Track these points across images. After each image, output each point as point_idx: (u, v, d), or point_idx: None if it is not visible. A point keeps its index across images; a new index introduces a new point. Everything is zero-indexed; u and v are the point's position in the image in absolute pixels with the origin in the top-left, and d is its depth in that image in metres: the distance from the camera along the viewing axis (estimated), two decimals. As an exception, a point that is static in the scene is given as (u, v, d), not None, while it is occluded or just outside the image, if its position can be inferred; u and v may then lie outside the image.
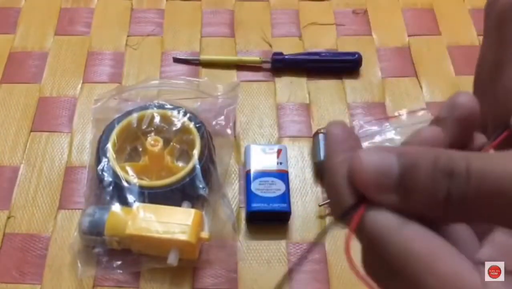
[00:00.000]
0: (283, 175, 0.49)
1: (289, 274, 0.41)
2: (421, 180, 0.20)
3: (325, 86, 0.59)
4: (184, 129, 0.51)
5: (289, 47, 0.61)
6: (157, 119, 0.51)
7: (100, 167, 0.48)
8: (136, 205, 0.45)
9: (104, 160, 0.48)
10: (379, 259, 0.21)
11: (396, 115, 0.56)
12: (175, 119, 0.51)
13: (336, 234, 0.48)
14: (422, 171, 0.20)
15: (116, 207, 0.45)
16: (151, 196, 0.46)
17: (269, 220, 0.48)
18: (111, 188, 0.47)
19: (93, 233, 0.44)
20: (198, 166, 0.48)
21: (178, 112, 0.51)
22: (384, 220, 0.20)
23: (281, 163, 0.49)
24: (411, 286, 0.20)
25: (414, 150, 0.21)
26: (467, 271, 0.20)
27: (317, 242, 0.39)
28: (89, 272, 0.45)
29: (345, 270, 0.46)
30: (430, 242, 0.20)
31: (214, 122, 0.53)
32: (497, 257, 0.22)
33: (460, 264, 0.20)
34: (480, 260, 0.21)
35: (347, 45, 0.62)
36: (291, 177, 0.51)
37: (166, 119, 0.51)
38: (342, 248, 0.48)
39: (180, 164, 0.51)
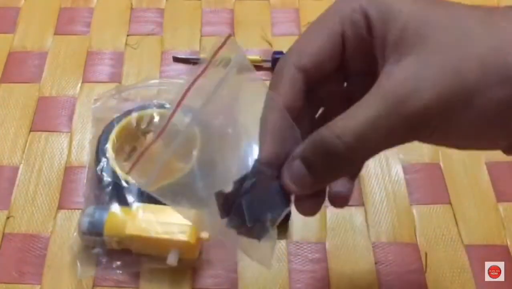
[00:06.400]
0: (283, 175, 0.48)
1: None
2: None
3: (325, 86, 0.59)
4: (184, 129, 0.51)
5: (289, 46, 0.61)
6: (156, 119, 0.51)
7: (99, 167, 0.48)
8: (136, 205, 0.45)
9: (104, 160, 0.48)
10: None
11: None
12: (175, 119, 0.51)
13: (336, 234, 0.48)
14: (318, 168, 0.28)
15: (115, 207, 0.45)
16: (150, 196, 0.46)
17: (269, 219, 0.48)
18: (110, 188, 0.47)
19: (93, 233, 0.44)
20: (197, 166, 0.48)
21: (178, 112, 0.51)
22: None
23: (281, 163, 0.49)
24: None
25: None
26: None
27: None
28: (89, 272, 0.45)
29: (345, 270, 0.46)
30: None
31: (214, 122, 0.53)
32: None
33: None
34: None
35: None
36: (291, 176, 0.51)
37: (166, 119, 0.51)
38: (342, 248, 0.48)
39: (180, 164, 0.50)
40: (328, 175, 0.28)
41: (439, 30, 0.25)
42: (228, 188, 0.29)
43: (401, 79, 0.25)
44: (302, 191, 0.29)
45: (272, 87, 0.30)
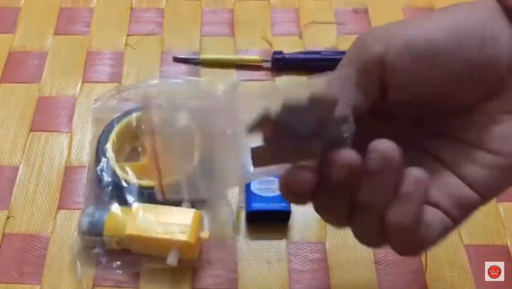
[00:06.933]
0: (283, 175, 0.49)
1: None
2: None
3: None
4: (184, 129, 0.51)
5: (289, 46, 0.61)
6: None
7: (99, 167, 0.48)
8: (136, 205, 0.45)
9: (104, 160, 0.48)
10: None
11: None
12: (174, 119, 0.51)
13: (336, 234, 0.48)
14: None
15: (115, 207, 0.45)
16: (150, 196, 0.46)
17: (269, 220, 0.48)
18: (110, 188, 0.47)
19: (93, 233, 0.44)
20: (197, 166, 0.48)
21: (178, 112, 0.51)
22: None
23: (281, 163, 0.49)
24: None
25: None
26: None
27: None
28: (89, 272, 0.45)
29: (345, 270, 0.46)
30: None
31: (214, 122, 0.53)
32: None
33: None
34: None
35: (348, 44, 0.60)
36: (291, 176, 0.51)
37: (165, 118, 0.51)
38: (342, 248, 0.48)
39: (182, 164, 0.50)
40: None
41: None
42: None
43: None
44: None
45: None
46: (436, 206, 0.28)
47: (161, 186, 0.32)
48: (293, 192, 0.28)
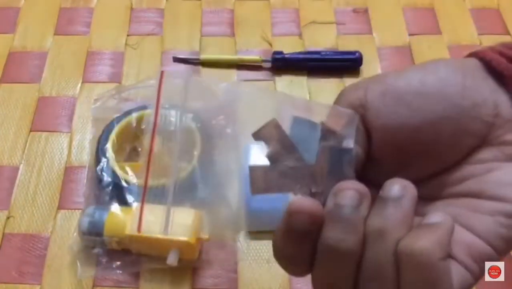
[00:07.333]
0: (283, 175, 0.48)
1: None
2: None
3: (326, 85, 0.59)
4: (184, 129, 0.51)
5: (290, 46, 0.61)
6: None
7: (99, 167, 0.48)
8: (136, 205, 0.45)
9: (104, 160, 0.48)
10: None
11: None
12: (174, 119, 0.51)
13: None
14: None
15: (115, 207, 0.45)
16: (150, 196, 0.46)
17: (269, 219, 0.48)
18: (110, 188, 0.47)
19: (93, 233, 0.44)
20: (198, 166, 0.48)
21: (178, 112, 0.51)
22: None
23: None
24: None
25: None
26: None
27: None
28: (89, 272, 0.45)
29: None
30: None
31: (214, 122, 0.53)
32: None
33: None
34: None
35: (348, 44, 0.62)
36: (291, 176, 0.51)
37: (165, 119, 0.51)
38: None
39: (182, 164, 0.50)
40: None
41: None
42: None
43: None
44: None
45: None
46: (453, 258, 0.26)
47: (145, 185, 0.32)
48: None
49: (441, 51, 0.62)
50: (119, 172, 0.47)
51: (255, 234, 0.48)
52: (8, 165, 0.52)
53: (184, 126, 0.51)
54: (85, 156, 0.53)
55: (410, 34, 0.64)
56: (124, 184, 0.47)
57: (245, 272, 0.46)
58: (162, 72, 0.29)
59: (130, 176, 0.47)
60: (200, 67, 0.60)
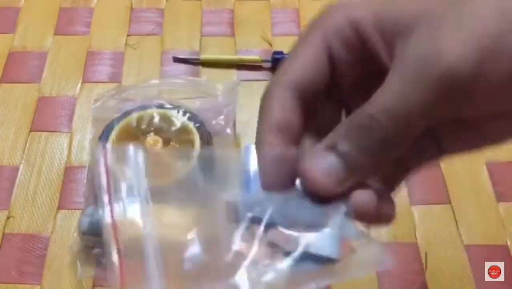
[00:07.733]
0: (283, 175, 0.48)
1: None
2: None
3: (325, 86, 0.59)
4: (183, 129, 0.51)
5: (290, 46, 0.61)
6: (156, 119, 0.51)
7: (99, 167, 0.48)
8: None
9: (104, 160, 0.48)
10: None
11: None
12: (174, 119, 0.51)
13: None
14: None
15: (115, 207, 0.45)
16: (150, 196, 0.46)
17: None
18: (110, 188, 0.47)
19: (93, 233, 0.44)
20: (198, 166, 0.48)
21: (178, 112, 0.51)
22: None
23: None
24: None
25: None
26: None
27: None
28: (89, 272, 0.45)
29: (346, 270, 0.46)
30: None
31: (214, 122, 0.53)
32: None
33: None
34: None
35: None
36: (291, 176, 0.51)
37: (165, 119, 0.51)
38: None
39: (181, 163, 0.50)
40: (367, 161, 0.25)
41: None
42: None
43: (420, 42, 0.23)
44: (335, 185, 0.26)
45: (264, 109, 0.29)
46: None
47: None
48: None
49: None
50: (119, 172, 0.47)
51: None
52: (8, 165, 0.52)
53: (183, 126, 0.51)
54: (85, 156, 0.53)
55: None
56: (124, 184, 0.47)
57: (245, 272, 0.46)
58: (105, 149, 0.25)
59: (130, 176, 0.47)
60: (200, 67, 0.60)
